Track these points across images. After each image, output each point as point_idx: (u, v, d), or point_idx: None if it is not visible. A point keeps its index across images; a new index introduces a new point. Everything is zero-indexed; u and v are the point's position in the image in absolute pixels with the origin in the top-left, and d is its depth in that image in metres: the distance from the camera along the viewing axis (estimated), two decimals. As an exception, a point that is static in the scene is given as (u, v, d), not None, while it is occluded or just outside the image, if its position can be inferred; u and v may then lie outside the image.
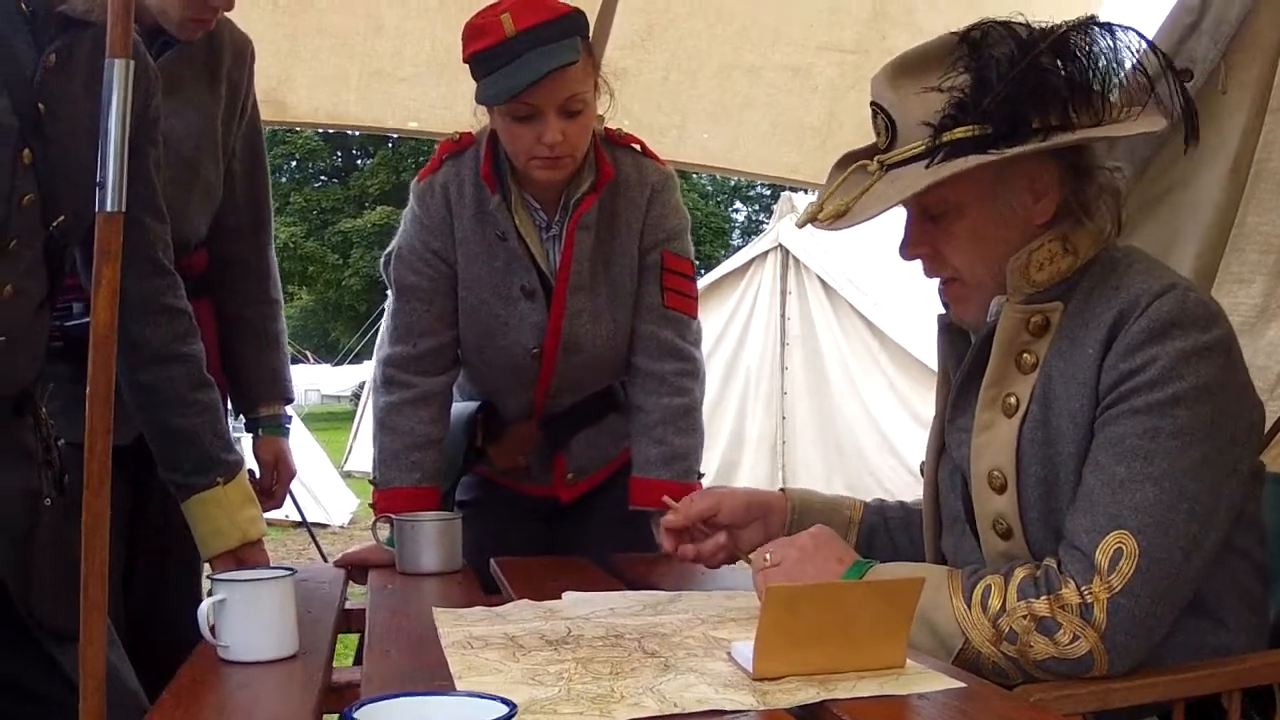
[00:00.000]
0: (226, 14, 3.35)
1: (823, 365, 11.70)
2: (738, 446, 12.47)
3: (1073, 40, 2.23)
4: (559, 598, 2.52)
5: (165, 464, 2.79)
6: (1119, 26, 2.26)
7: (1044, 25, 2.26)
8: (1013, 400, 2.27)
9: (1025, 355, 2.28)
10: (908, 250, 2.40)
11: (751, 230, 41.48)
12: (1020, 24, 2.26)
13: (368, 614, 2.55)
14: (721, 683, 1.82)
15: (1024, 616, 2.10)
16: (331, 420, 26.77)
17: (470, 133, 3.30)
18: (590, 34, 3.22)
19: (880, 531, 2.73)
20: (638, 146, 3.36)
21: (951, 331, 2.53)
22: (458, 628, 2.25)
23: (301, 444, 12.95)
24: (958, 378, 2.44)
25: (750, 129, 4.90)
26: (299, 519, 9.39)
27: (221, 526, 2.75)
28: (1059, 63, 2.22)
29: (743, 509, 2.71)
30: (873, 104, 2.33)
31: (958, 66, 2.24)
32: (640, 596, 2.52)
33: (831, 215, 2.33)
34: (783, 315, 12.14)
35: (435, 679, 1.91)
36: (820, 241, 11.53)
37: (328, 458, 14.25)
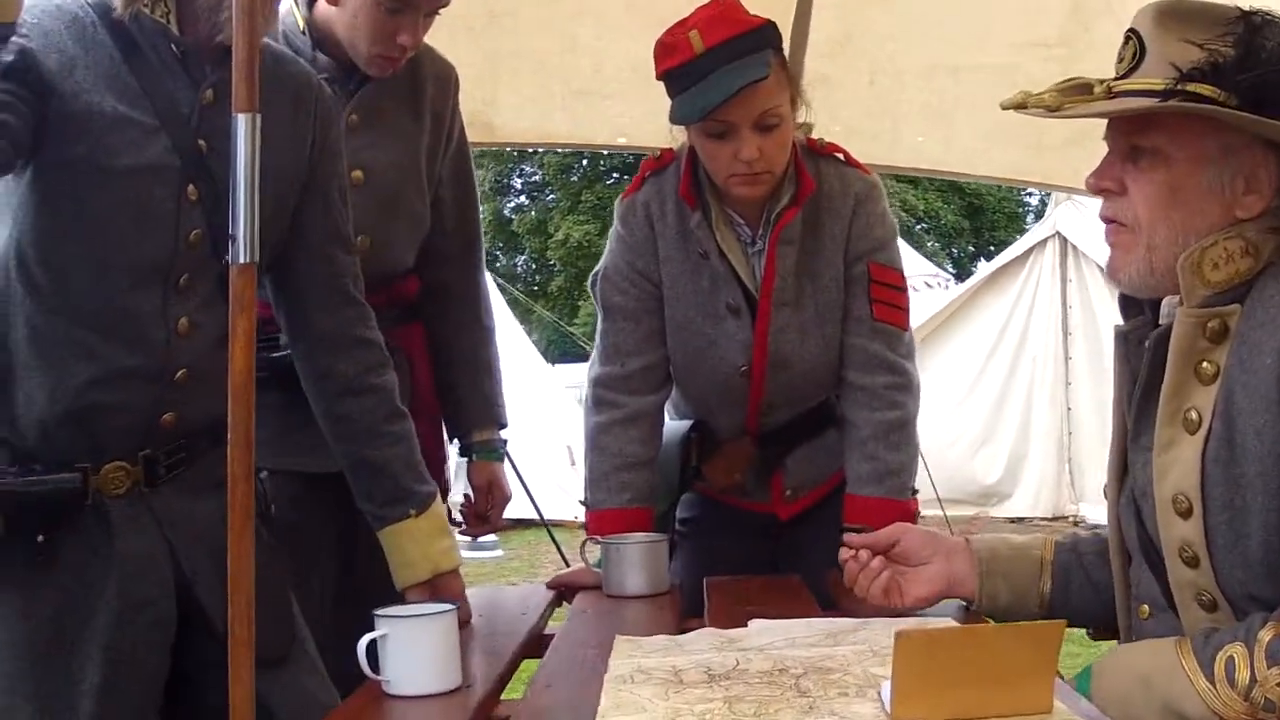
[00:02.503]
0: (426, 42, 3.44)
1: (1105, 355, 11.45)
2: (1024, 439, 12.37)
3: None
4: (745, 624, 2.53)
5: (360, 494, 2.88)
6: None
7: None
8: (1194, 415, 2.18)
9: (1204, 364, 2.18)
10: (1096, 179, 2.32)
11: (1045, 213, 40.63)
12: None
13: (554, 641, 2.61)
14: (857, 726, 1.81)
15: (1279, 684, 2.00)
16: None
17: (672, 149, 3.33)
18: (784, 45, 3.20)
19: (1075, 569, 2.63)
20: (841, 156, 3.35)
21: (1129, 342, 2.43)
22: (630, 659, 2.28)
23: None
24: (1136, 391, 2.34)
25: (963, 130, 4.83)
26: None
27: (412, 558, 2.83)
28: None
29: (924, 542, 2.69)
30: (1130, 30, 2.26)
31: (1227, 38, 2.16)
32: (825, 625, 2.51)
33: (1044, 105, 2.28)
34: (1064, 304, 11.99)
35: (584, 716, 1.93)
36: (1098, 228, 11.31)
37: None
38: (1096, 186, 2.32)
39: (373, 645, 2.23)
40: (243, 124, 2.11)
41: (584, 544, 3.31)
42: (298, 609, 2.88)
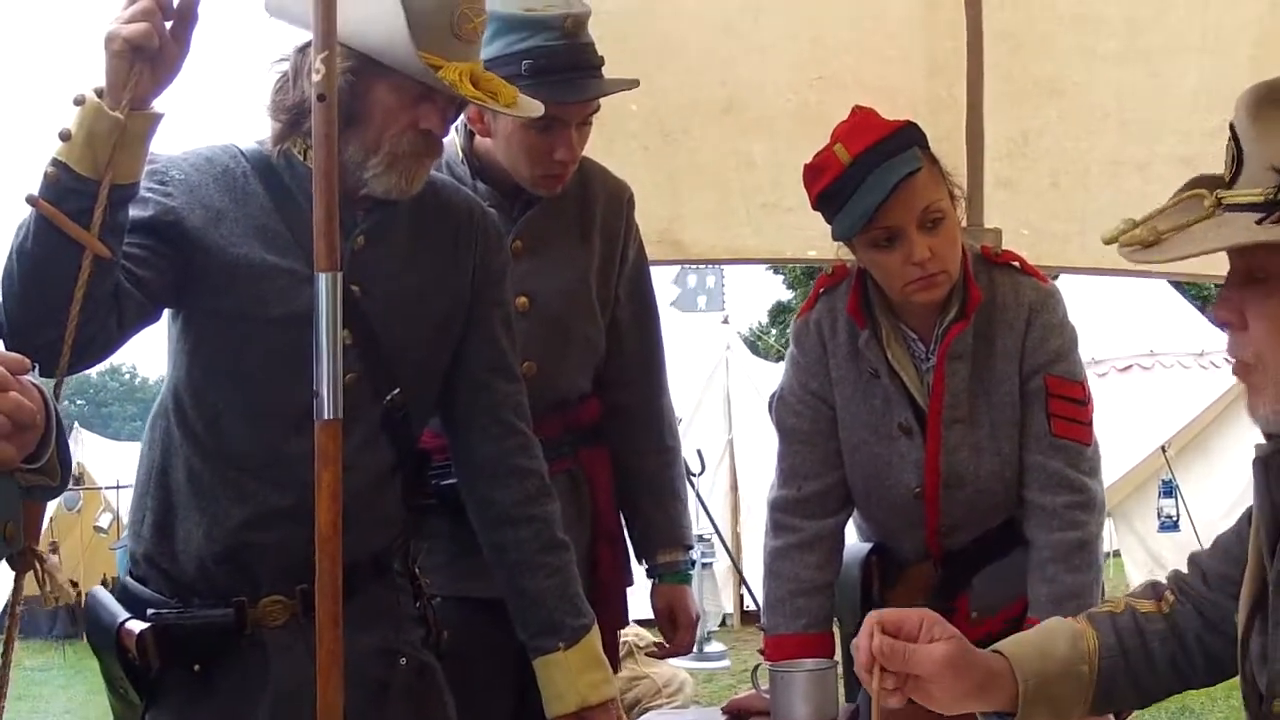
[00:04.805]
0: (599, 162, 3.58)
1: None
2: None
3: None
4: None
5: (516, 622, 3.02)
6: None
7: None
8: None
9: None
10: (1216, 311, 2.11)
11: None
12: None
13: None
14: None
15: None
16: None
17: (844, 264, 3.37)
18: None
19: (1120, 675, 2.37)
20: (1017, 264, 3.33)
21: (1269, 470, 2.15)
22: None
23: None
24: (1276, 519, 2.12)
25: (1154, 226, 4.67)
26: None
27: (561, 690, 2.95)
28: None
29: (961, 690, 2.23)
30: (1230, 125, 2.04)
31: None
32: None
33: (1138, 242, 2.08)
34: None
35: None
36: None
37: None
38: (1217, 320, 2.12)
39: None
40: (323, 283, 2.25)
41: (755, 669, 3.37)
42: None
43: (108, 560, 16.79)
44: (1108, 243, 2.15)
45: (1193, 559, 2.51)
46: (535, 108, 2.97)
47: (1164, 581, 2.50)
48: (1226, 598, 2.30)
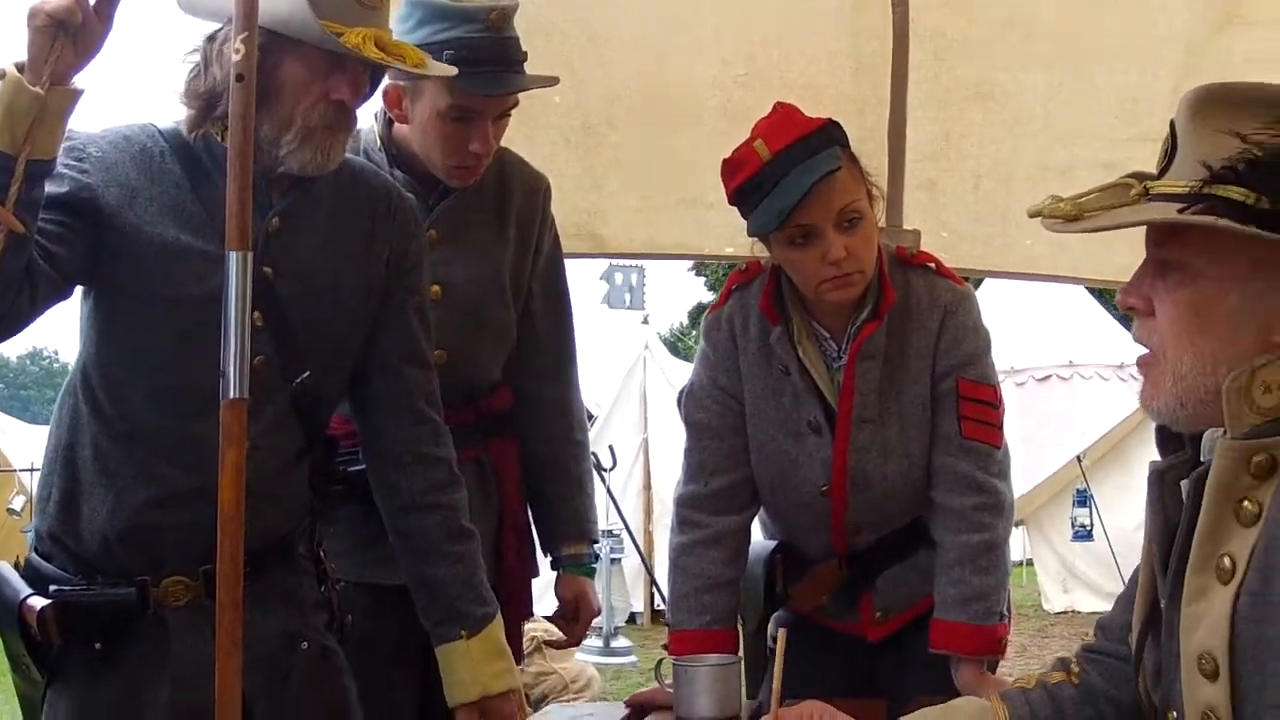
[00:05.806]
0: (517, 154, 3.59)
1: None
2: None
3: None
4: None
5: (419, 609, 3.03)
6: None
7: None
8: (1227, 562, 1.92)
9: (1246, 504, 1.91)
10: (1123, 295, 2.10)
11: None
12: None
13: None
14: None
15: None
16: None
17: (758, 261, 3.37)
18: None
19: None
20: (932, 265, 3.34)
21: (1164, 483, 2.12)
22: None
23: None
24: (1177, 541, 2.04)
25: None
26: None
27: (462, 678, 2.96)
28: None
29: None
30: (1171, 121, 2.05)
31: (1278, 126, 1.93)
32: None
33: (1061, 215, 2.06)
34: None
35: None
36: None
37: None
38: (1123, 304, 2.11)
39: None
40: (234, 262, 2.24)
41: (659, 664, 3.37)
42: None
43: (20, 542, 16.61)
44: (1032, 215, 2.13)
45: (1098, 621, 2.54)
46: (445, 70, 2.99)
47: (1070, 656, 2.53)
48: (1128, 646, 2.30)
